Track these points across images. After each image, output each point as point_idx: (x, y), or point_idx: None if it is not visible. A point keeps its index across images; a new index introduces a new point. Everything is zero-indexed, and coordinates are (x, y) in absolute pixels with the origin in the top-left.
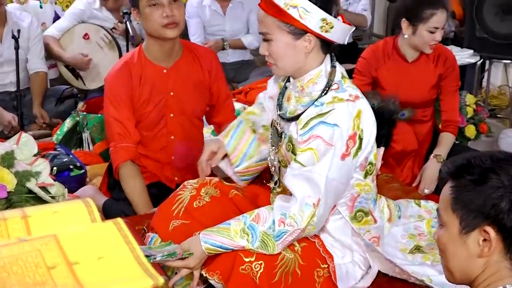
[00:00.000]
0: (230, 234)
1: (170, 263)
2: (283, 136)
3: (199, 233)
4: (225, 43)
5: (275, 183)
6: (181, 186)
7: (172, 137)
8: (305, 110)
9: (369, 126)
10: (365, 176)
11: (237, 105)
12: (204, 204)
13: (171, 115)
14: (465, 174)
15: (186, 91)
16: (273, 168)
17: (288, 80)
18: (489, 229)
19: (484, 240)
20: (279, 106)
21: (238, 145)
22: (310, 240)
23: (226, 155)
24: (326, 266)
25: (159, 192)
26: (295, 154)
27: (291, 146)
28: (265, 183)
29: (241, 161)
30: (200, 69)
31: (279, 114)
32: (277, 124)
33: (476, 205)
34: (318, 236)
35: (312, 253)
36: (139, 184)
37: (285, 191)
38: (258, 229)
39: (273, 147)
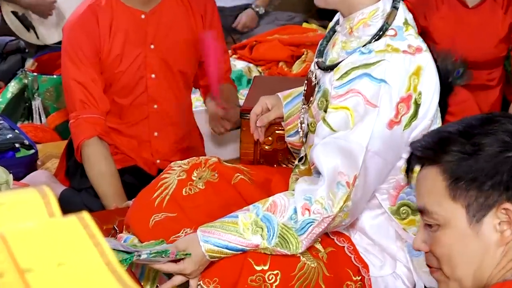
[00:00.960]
0: (239, 229)
1: (159, 265)
2: (316, 89)
3: (190, 230)
4: None
5: (300, 159)
6: (166, 169)
7: (155, 106)
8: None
9: (430, 90)
10: None
11: (239, 64)
12: (197, 192)
13: (152, 75)
14: (450, 149)
15: (171, 44)
16: (301, 132)
17: (338, 23)
18: (509, 204)
19: (501, 222)
20: (320, 52)
21: (292, 118)
22: (338, 244)
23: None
24: (359, 278)
25: (135, 179)
26: None
27: (325, 102)
28: (282, 162)
29: (293, 134)
30: (190, 14)
31: (317, 62)
32: (311, 74)
33: (485, 180)
34: (349, 238)
35: (341, 261)
36: (108, 169)
37: (310, 172)
38: (276, 220)
39: (304, 105)
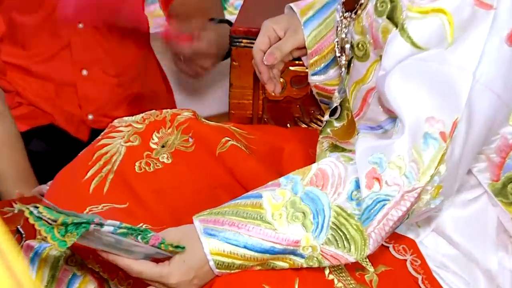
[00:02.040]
0: (265, 214)
1: (127, 261)
2: None
3: (153, 228)
4: None
5: (333, 111)
6: (106, 130)
7: (80, 25)
8: None
9: None
10: None
11: None
12: (159, 168)
13: None
14: None
15: None
16: (343, 59)
17: None
18: None
19: None
20: None
21: (321, 42)
22: (396, 256)
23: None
24: None
25: (52, 148)
26: (395, 24)
27: (389, 4)
28: (300, 120)
29: (322, 69)
30: None
31: None
32: None
33: None
34: (414, 245)
35: (400, 286)
36: (3, 133)
37: (352, 131)
38: (326, 201)
39: (346, 15)
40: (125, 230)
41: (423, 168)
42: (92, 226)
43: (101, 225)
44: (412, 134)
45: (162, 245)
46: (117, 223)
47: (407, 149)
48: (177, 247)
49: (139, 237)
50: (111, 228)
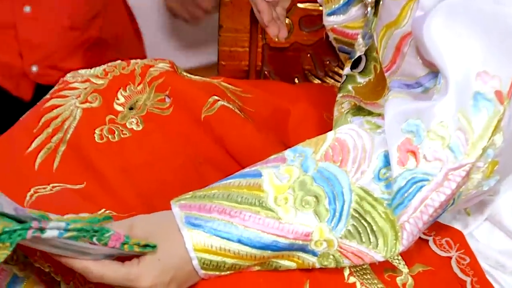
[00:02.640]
0: (265, 199)
1: (84, 262)
2: None
3: (119, 215)
4: None
5: (355, 63)
6: (57, 86)
7: None
8: None
9: None
10: None
11: None
12: (127, 137)
13: None
14: None
15: None
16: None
17: None
18: None
19: None
20: None
21: None
22: (438, 253)
23: None
24: None
25: None
26: None
27: None
28: (312, 74)
29: (341, 7)
30: None
31: None
32: None
33: None
34: (462, 238)
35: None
36: None
37: (380, 90)
38: (346, 180)
39: None
40: (74, 233)
41: (473, 139)
42: (30, 233)
43: (42, 230)
44: (458, 94)
45: (126, 245)
46: (63, 224)
47: (452, 113)
48: (145, 246)
49: (94, 239)
50: (56, 233)
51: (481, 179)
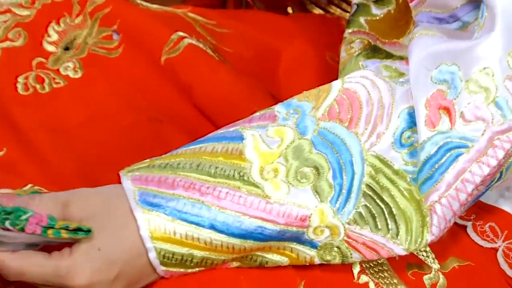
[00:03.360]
0: (248, 171)
1: (6, 261)
2: None
3: (47, 191)
4: None
5: None
6: None
7: None
8: None
9: None
10: None
11: None
12: (60, 87)
13: None
14: None
15: None
16: None
17: None
18: None
19: None
20: None
21: None
22: (480, 244)
23: None
24: None
25: None
26: None
27: None
28: (308, 0)
29: None
30: None
31: None
32: None
33: None
34: (509, 223)
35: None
36: None
37: (404, 25)
38: (357, 146)
39: None
40: None
41: None
42: None
43: None
44: (509, 31)
45: (50, 230)
46: None
47: (500, 56)
48: (76, 231)
49: (7, 223)
50: None
51: None
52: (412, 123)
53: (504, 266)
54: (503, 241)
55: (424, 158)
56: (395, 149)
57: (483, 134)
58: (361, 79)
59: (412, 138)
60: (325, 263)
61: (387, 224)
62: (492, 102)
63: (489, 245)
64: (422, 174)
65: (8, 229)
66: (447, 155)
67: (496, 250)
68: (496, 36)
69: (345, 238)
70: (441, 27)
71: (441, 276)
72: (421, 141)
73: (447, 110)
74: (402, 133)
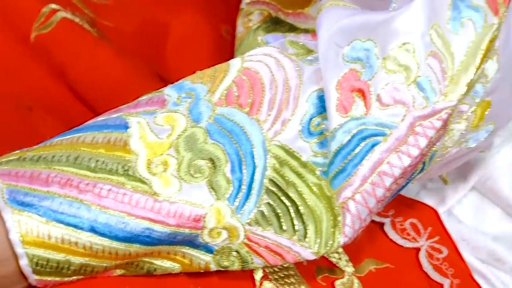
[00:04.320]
0: (134, 164)
1: None
2: None
3: None
4: None
5: None
6: None
7: None
8: None
9: None
10: None
11: None
12: None
13: None
14: None
15: None
16: None
17: None
18: None
19: None
20: None
21: None
22: (399, 243)
23: None
24: None
25: None
26: None
27: None
28: None
29: None
30: None
31: None
32: None
33: None
34: (436, 223)
35: None
36: None
37: None
38: (258, 134)
39: None
40: None
41: (454, 69)
42: None
43: None
44: (431, 0)
45: None
46: None
47: (421, 30)
48: None
49: None
50: None
51: (465, 131)
52: (322, 108)
53: (427, 268)
54: (427, 240)
55: (335, 148)
56: (302, 138)
57: (403, 120)
58: (264, 57)
59: (322, 126)
60: (222, 269)
61: (293, 225)
62: (413, 83)
63: (410, 245)
64: (333, 167)
65: None
66: (362, 144)
67: (418, 250)
68: (417, 6)
69: (245, 241)
70: None
71: (355, 280)
72: (332, 129)
73: (362, 93)
74: (311, 119)
